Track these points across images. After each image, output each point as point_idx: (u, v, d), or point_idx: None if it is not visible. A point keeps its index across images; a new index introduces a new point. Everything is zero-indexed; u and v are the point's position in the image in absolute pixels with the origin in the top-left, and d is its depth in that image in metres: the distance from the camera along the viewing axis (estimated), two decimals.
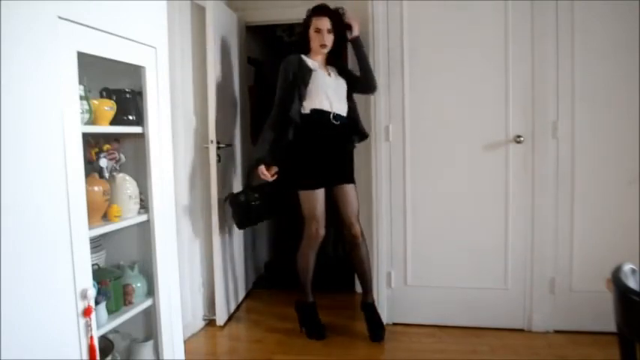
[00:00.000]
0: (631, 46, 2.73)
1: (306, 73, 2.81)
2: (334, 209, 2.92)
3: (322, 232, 2.88)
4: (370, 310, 2.95)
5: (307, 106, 2.82)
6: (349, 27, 2.92)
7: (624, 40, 2.74)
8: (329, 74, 2.90)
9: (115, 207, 1.84)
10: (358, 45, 2.93)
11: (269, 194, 3.11)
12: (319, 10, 2.87)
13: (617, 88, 2.78)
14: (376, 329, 2.90)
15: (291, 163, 2.87)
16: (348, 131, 2.93)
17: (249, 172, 3.32)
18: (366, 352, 2.80)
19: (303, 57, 2.88)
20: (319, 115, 2.82)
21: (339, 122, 2.85)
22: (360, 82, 2.95)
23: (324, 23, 2.84)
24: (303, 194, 2.86)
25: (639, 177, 2.77)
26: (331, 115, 2.82)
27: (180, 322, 2.15)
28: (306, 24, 2.90)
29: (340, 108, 2.87)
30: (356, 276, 3.07)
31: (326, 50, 2.87)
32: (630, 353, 1.16)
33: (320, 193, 2.85)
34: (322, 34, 2.83)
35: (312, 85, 2.81)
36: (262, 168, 2.83)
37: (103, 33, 1.66)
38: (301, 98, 2.81)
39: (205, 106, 3.07)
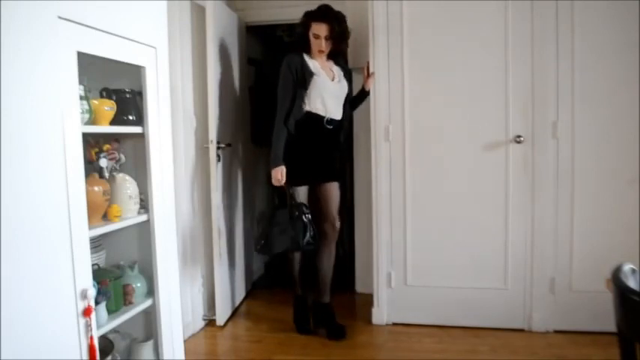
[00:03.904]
0: (631, 46, 2.73)
1: (307, 76, 2.82)
2: (317, 206, 2.95)
3: None
4: (323, 312, 2.99)
5: (304, 108, 2.85)
6: (366, 79, 3.01)
7: (624, 40, 2.74)
8: (332, 78, 2.91)
9: (115, 207, 1.84)
10: (365, 96, 3.06)
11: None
12: (318, 16, 2.82)
13: (617, 88, 2.78)
14: (333, 330, 2.94)
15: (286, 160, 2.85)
16: (340, 134, 3.00)
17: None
18: (365, 352, 2.80)
19: (306, 58, 2.87)
20: (313, 118, 2.85)
21: (332, 127, 2.89)
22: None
23: (322, 30, 2.81)
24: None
25: (639, 177, 2.77)
26: (325, 120, 2.86)
27: (181, 322, 2.16)
28: (304, 26, 2.87)
29: (336, 113, 2.91)
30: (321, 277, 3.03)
31: (323, 55, 2.89)
32: (630, 353, 1.16)
33: (303, 190, 2.90)
34: (320, 41, 2.82)
35: (312, 88, 2.82)
36: (283, 170, 2.79)
37: (103, 33, 1.66)
38: (300, 100, 2.83)
39: (205, 106, 3.07)
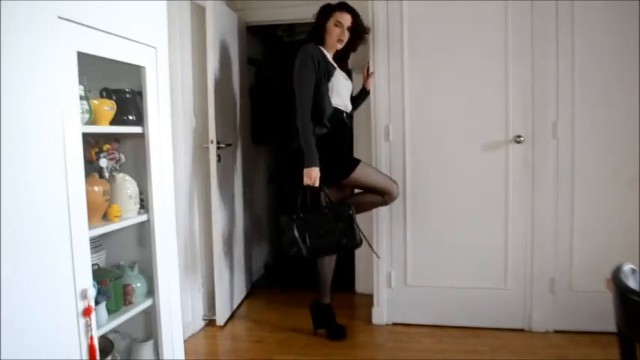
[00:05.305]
0: (631, 46, 2.73)
1: (330, 68, 2.78)
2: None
3: None
4: (323, 312, 2.96)
5: (332, 103, 2.80)
6: (366, 79, 3.04)
7: (624, 40, 2.74)
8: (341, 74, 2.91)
9: (115, 207, 1.84)
10: (365, 96, 3.08)
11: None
12: (343, 6, 2.83)
13: (617, 87, 2.78)
14: (333, 330, 2.93)
15: (323, 157, 2.70)
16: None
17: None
18: (365, 352, 2.81)
19: (324, 50, 2.82)
20: (338, 112, 2.82)
21: (348, 122, 2.92)
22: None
23: (347, 19, 2.81)
24: (358, 171, 2.77)
25: (639, 177, 2.77)
26: (344, 115, 2.86)
27: (181, 322, 2.16)
28: (324, 16, 2.82)
29: (349, 107, 2.91)
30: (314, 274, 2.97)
31: (341, 46, 2.84)
32: (630, 353, 1.16)
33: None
34: (342, 29, 2.80)
35: (333, 82, 2.78)
36: (317, 171, 2.64)
37: (103, 33, 1.66)
38: (327, 94, 2.76)
39: (205, 106, 3.07)
